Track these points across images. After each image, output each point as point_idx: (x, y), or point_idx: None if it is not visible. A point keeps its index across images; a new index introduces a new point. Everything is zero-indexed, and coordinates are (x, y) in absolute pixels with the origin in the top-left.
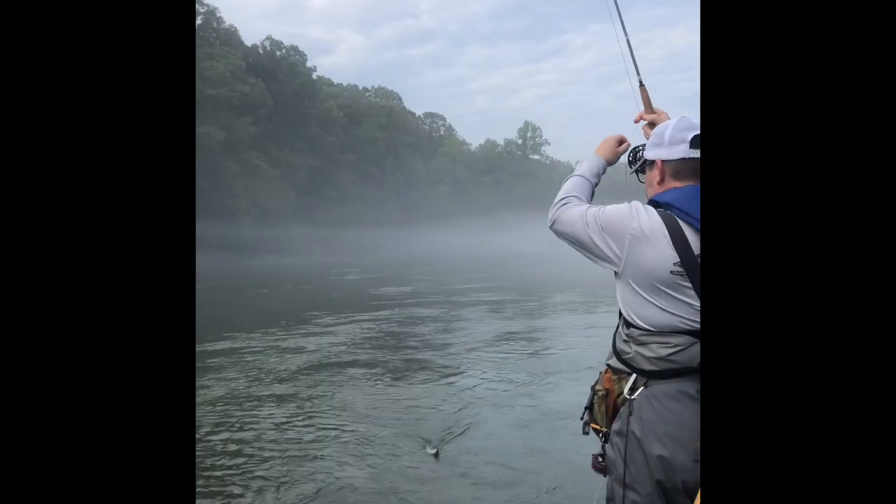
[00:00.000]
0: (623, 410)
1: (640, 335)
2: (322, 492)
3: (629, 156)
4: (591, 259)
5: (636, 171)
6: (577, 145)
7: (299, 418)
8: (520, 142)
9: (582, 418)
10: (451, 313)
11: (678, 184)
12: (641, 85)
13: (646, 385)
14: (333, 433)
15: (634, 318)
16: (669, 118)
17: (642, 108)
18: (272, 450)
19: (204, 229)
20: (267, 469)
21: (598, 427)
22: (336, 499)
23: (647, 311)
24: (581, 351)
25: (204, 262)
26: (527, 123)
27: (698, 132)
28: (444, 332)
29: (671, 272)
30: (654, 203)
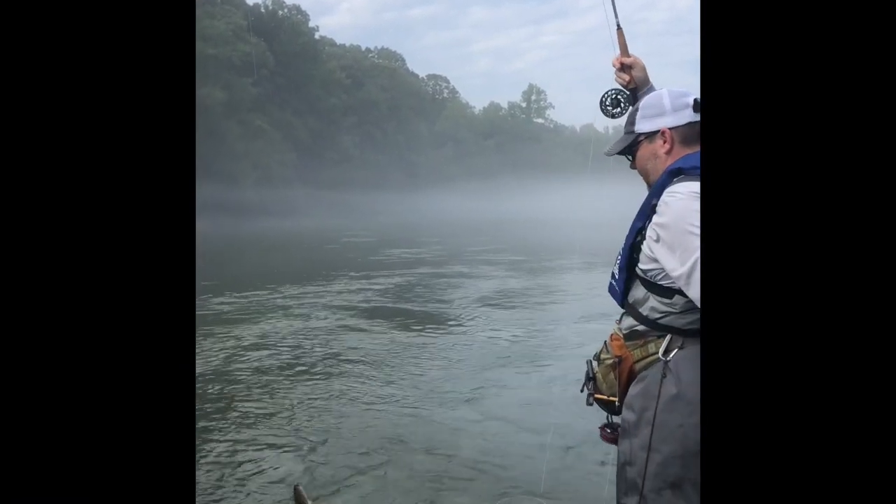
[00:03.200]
0: (650, 373)
1: (686, 303)
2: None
3: (603, 101)
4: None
5: (623, 153)
6: (580, 109)
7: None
8: (524, 105)
9: (583, 390)
10: (474, 271)
11: (688, 149)
12: (619, 28)
13: (681, 346)
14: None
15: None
16: (643, 63)
17: (618, 52)
18: None
19: (205, 192)
20: None
21: (603, 397)
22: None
23: None
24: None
25: (205, 224)
26: (531, 86)
27: (696, 96)
28: (468, 289)
29: None
30: (678, 171)
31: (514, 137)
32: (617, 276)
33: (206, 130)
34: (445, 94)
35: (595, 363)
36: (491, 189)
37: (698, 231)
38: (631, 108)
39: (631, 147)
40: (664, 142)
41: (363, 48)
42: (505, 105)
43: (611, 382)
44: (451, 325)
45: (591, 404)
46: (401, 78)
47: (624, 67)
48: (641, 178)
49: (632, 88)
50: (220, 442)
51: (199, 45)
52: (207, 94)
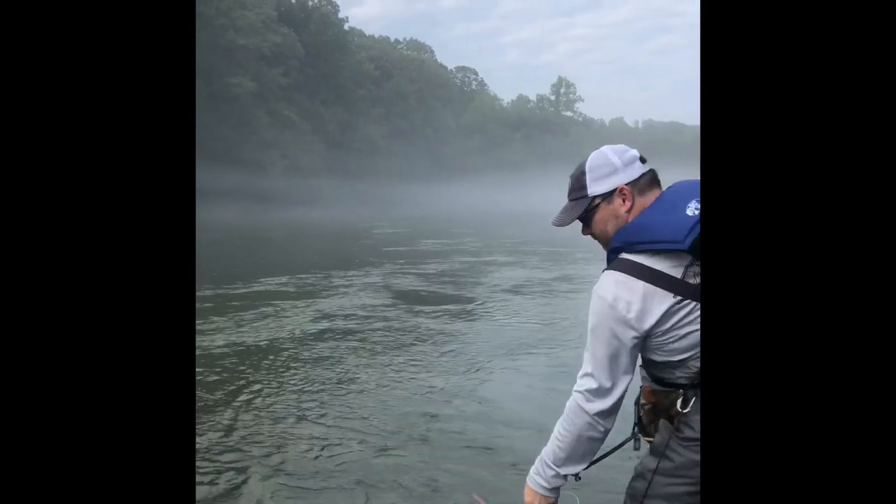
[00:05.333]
0: (663, 425)
1: (677, 362)
2: None
3: None
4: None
5: (581, 220)
6: (610, 103)
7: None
8: (553, 98)
9: (634, 436)
10: (510, 260)
11: (645, 200)
12: None
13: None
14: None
15: (665, 356)
16: None
17: None
18: None
19: (234, 180)
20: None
21: (651, 439)
22: None
23: (675, 346)
24: None
25: (235, 212)
26: (560, 79)
27: (635, 150)
28: (506, 278)
29: (676, 304)
30: (619, 249)
31: (543, 130)
32: None
33: (236, 119)
34: (474, 86)
35: (639, 411)
36: (518, 181)
37: (600, 338)
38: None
39: (586, 212)
40: (624, 199)
41: (392, 39)
42: (533, 98)
43: (652, 428)
44: (486, 311)
45: (637, 448)
46: (429, 69)
47: None
48: (599, 243)
49: None
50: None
51: (231, 36)
52: (238, 83)
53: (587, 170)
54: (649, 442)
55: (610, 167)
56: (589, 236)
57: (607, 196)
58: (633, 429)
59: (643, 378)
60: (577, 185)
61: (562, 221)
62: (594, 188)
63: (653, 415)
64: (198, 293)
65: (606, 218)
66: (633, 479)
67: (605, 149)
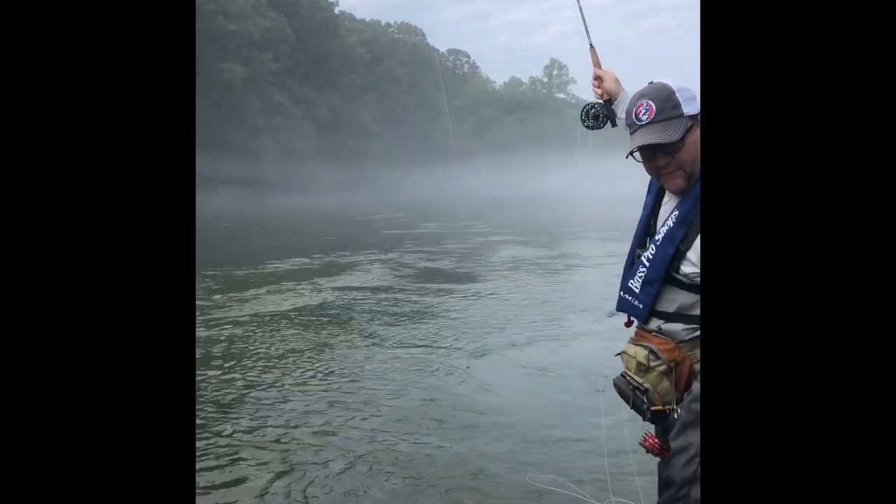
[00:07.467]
0: None
1: None
2: None
3: (587, 114)
4: None
5: (670, 143)
6: None
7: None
8: (545, 80)
9: (632, 407)
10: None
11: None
12: (592, 48)
13: None
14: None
15: None
16: (614, 76)
17: (592, 68)
18: None
19: (227, 167)
20: None
21: (660, 408)
22: None
23: None
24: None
25: (226, 199)
26: (553, 61)
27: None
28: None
29: None
30: None
31: (536, 113)
32: (639, 290)
33: (227, 105)
34: (466, 69)
35: (637, 378)
36: (512, 163)
37: None
38: (623, 109)
39: (677, 145)
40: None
41: (383, 23)
42: (526, 80)
43: (665, 390)
44: (488, 288)
45: (649, 418)
46: (421, 53)
47: (597, 79)
48: (677, 172)
49: (606, 100)
50: None
51: (220, 21)
52: (228, 68)
53: (676, 90)
54: (661, 412)
55: (691, 92)
56: (652, 171)
57: (693, 118)
58: (634, 402)
59: (638, 341)
60: (669, 104)
61: (661, 139)
62: (688, 108)
63: (665, 378)
64: (237, 272)
65: (697, 141)
66: (677, 461)
67: (674, 81)
